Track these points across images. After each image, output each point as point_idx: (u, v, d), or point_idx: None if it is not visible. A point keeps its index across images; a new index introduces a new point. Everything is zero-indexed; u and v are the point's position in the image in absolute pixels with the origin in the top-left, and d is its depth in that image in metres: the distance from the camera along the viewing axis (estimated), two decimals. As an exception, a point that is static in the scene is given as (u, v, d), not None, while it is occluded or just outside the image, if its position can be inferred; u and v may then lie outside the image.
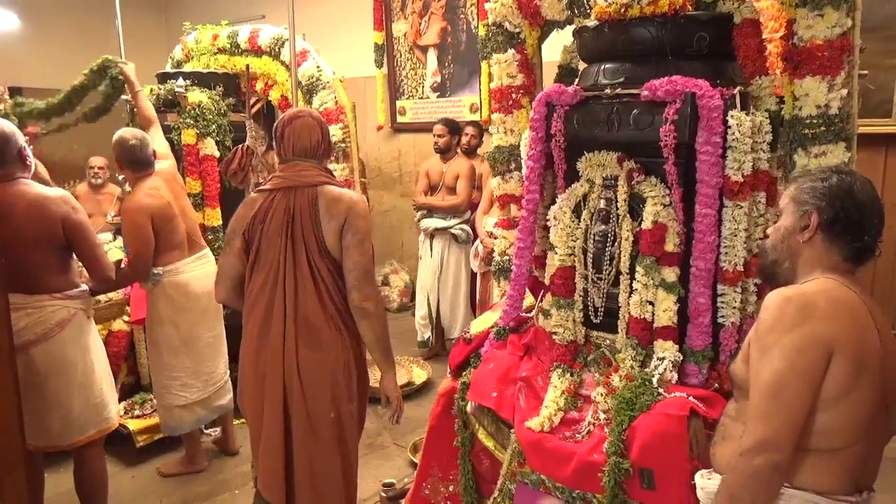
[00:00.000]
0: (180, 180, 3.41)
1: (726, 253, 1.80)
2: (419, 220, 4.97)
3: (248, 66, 3.98)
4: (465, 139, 4.98)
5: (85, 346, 2.62)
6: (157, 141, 3.41)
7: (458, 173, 4.84)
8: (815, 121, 1.85)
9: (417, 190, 5.03)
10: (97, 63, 4.01)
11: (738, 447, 1.40)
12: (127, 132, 3.13)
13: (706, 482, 1.53)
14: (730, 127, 1.73)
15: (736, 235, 1.78)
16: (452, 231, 4.82)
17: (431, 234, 4.90)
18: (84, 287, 2.64)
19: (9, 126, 2.49)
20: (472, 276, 4.76)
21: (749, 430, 1.38)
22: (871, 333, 1.39)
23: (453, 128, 4.94)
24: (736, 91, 1.79)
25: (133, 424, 3.48)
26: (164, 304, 3.12)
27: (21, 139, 2.50)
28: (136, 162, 3.07)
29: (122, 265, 3.07)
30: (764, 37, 1.96)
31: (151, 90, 4.14)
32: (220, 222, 4.01)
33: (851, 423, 1.36)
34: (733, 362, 1.56)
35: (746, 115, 1.76)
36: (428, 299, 4.93)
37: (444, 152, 4.92)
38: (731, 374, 1.57)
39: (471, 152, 5.03)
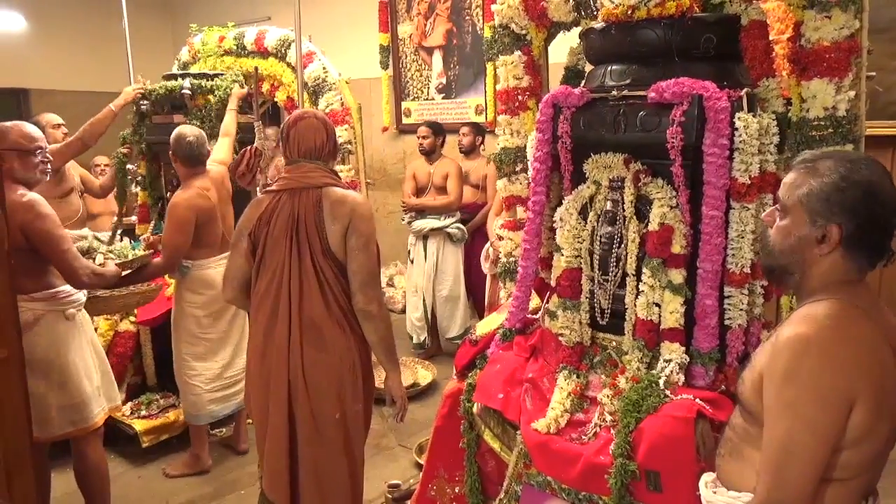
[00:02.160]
0: (229, 186, 3.46)
1: (733, 255, 1.79)
2: (409, 223, 4.99)
3: (256, 69, 3.99)
4: (459, 139, 5.05)
5: (60, 348, 2.58)
6: (222, 149, 3.57)
7: (446, 173, 4.89)
8: (822, 123, 1.85)
9: (405, 192, 5.06)
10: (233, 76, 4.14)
11: (753, 487, 1.34)
12: (186, 129, 3.24)
13: (711, 495, 1.48)
14: (737, 129, 1.73)
15: (743, 237, 1.78)
16: (448, 230, 4.85)
17: (425, 236, 4.92)
18: (59, 288, 2.59)
19: (29, 128, 2.50)
20: (481, 277, 4.78)
21: (763, 481, 1.31)
22: (888, 363, 1.29)
23: (437, 129, 5.02)
24: (743, 93, 1.78)
25: (139, 425, 3.50)
26: (189, 295, 3.25)
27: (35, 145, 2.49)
28: (189, 158, 3.19)
29: (155, 258, 3.10)
30: (771, 38, 1.96)
31: (157, 91, 4.15)
32: (228, 223, 4.02)
33: (870, 457, 1.32)
34: (741, 383, 1.46)
35: (754, 116, 1.75)
36: (424, 301, 4.95)
37: (429, 154, 4.98)
38: (740, 396, 1.47)
39: (467, 152, 5.06)
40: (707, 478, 1.53)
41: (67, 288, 2.62)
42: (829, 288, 1.35)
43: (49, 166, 2.60)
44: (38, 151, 2.52)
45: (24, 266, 2.46)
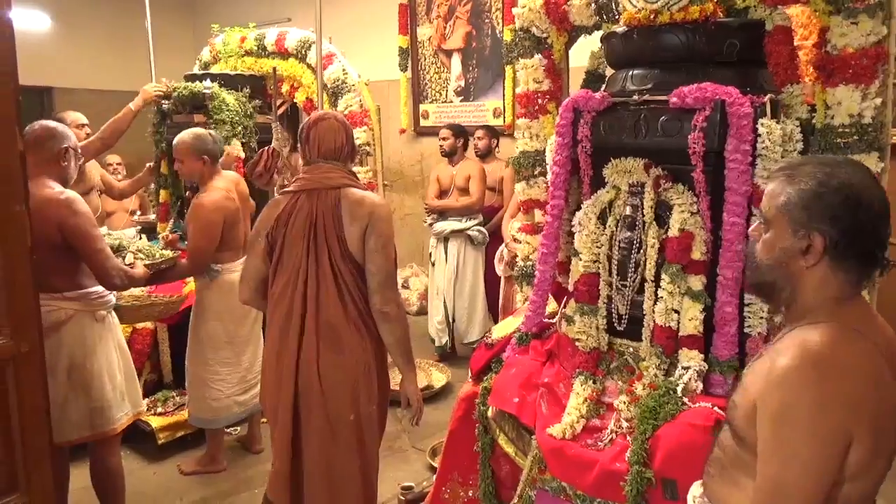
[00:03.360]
0: (244, 187, 3.46)
1: (754, 262, 1.77)
2: (431, 225, 5.00)
3: (274, 69, 4.02)
4: (474, 142, 5.05)
5: (87, 350, 2.56)
6: None
7: (468, 175, 4.89)
8: (847, 130, 1.82)
9: (429, 195, 5.07)
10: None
11: None
12: (199, 129, 3.25)
13: None
14: (760, 135, 1.71)
15: (764, 245, 1.76)
16: (469, 233, 4.84)
17: (446, 238, 4.91)
18: (92, 289, 2.58)
19: (60, 128, 2.53)
20: (495, 280, 4.77)
21: None
22: (888, 392, 1.20)
23: (458, 131, 5.02)
24: (766, 99, 1.76)
25: (155, 421, 3.52)
26: (216, 299, 3.21)
27: (67, 142, 2.52)
28: (215, 155, 3.20)
29: (181, 259, 3.11)
30: (795, 44, 1.94)
31: (177, 89, 4.19)
32: (245, 223, 4.05)
33: (869, 490, 1.25)
34: (732, 407, 1.36)
35: (777, 123, 1.74)
36: (444, 303, 4.93)
37: (450, 155, 4.99)
38: (731, 421, 1.37)
39: (483, 155, 5.07)
40: (695, 491, 1.46)
41: (100, 289, 2.61)
42: (823, 307, 1.27)
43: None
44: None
45: (58, 264, 2.46)
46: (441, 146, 5.00)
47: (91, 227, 2.48)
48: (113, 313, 2.76)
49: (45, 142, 2.47)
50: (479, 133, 5.10)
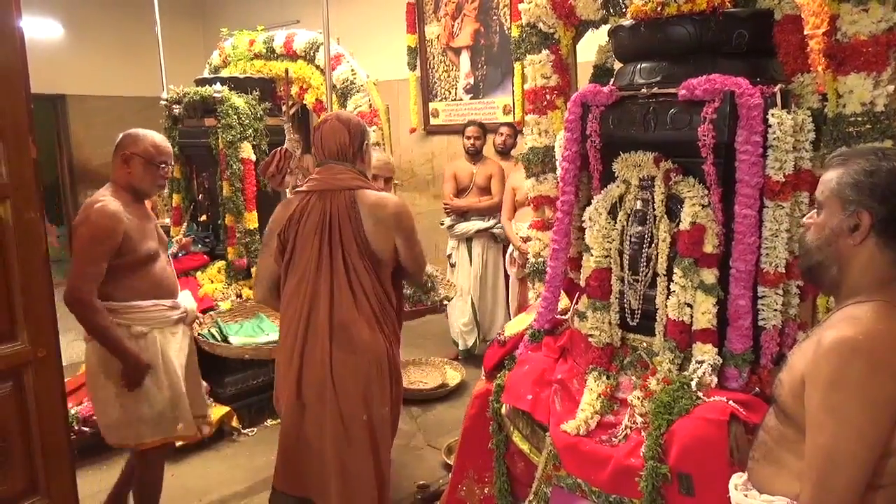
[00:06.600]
0: None
1: (767, 254, 1.76)
2: (450, 227, 4.89)
3: (287, 70, 4.03)
4: (499, 139, 4.99)
5: (91, 364, 2.48)
6: None
7: (489, 174, 4.84)
8: (859, 118, 1.80)
9: (446, 193, 4.98)
10: None
11: (788, 493, 1.31)
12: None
13: (743, 499, 1.43)
14: (770, 126, 1.70)
15: (777, 236, 1.74)
16: (493, 231, 4.78)
17: (468, 238, 4.85)
18: (129, 303, 2.46)
19: (133, 133, 2.51)
20: (508, 279, 4.74)
21: (806, 490, 1.27)
22: None
23: (486, 129, 4.96)
24: (777, 89, 1.75)
25: (173, 423, 3.55)
26: None
27: (133, 148, 2.46)
28: None
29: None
30: (805, 33, 1.92)
31: (187, 94, 4.21)
32: (257, 225, 4.07)
33: None
34: (778, 385, 1.41)
35: (788, 113, 1.72)
36: (471, 303, 4.84)
37: (477, 154, 4.91)
38: (777, 398, 1.41)
39: (506, 153, 5.03)
40: (737, 479, 1.48)
41: (114, 304, 2.44)
42: (871, 288, 1.30)
43: (165, 183, 2.61)
44: (163, 165, 2.53)
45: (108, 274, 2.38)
46: (473, 145, 4.86)
47: (86, 241, 2.34)
48: (160, 338, 2.56)
49: (117, 148, 2.48)
50: (507, 131, 4.99)
